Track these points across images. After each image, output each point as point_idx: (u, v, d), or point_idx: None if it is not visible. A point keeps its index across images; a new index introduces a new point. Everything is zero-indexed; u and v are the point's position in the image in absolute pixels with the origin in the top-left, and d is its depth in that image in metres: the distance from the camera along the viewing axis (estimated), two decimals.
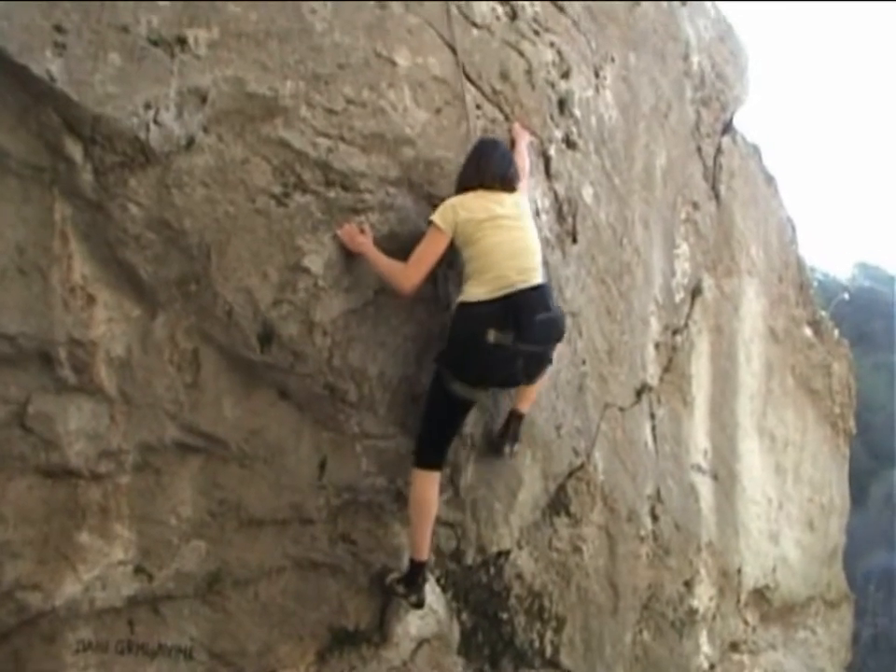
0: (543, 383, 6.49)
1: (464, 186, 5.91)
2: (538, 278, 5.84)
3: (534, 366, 6.00)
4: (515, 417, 6.51)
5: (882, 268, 49.24)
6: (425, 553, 5.97)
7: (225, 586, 5.61)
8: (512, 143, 6.57)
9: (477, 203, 5.79)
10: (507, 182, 5.97)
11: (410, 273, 5.68)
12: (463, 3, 6.44)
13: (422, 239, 5.77)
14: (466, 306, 5.74)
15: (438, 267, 5.88)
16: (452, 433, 6.02)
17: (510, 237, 5.79)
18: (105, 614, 5.26)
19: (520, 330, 5.63)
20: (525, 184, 6.39)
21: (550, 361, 6.14)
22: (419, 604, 6.08)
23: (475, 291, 5.71)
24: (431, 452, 5.95)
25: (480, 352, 5.67)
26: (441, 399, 5.88)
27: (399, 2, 6.01)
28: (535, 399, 6.56)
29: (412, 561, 6.00)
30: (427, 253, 5.71)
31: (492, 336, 5.59)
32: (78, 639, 5.17)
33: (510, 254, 5.74)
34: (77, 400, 5.11)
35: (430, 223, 5.74)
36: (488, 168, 5.91)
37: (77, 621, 5.16)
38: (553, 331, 5.93)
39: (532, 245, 5.93)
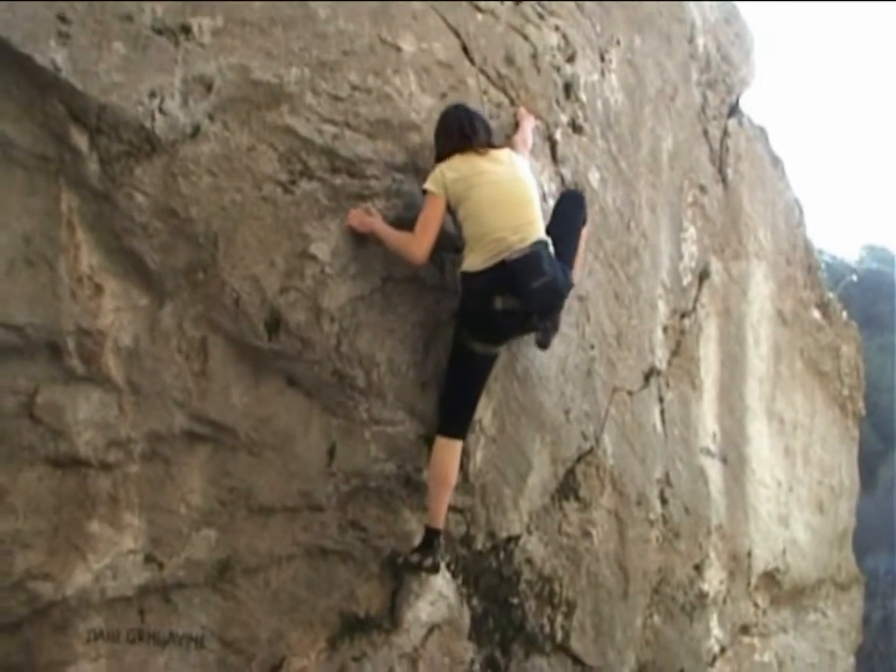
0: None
1: (442, 155, 5.88)
2: (535, 233, 5.81)
3: (549, 315, 6.02)
4: None
5: (889, 250, 49.09)
6: (441, 521, 6.00)
7: (235, 574, 5.62)
8: (517, 126, 6.56)
9: (463, 163, 5.78)
10: (480, 139, 5.93)
11: (419, 240, 5.70)
12: None
13: (421, 209, 5.78)
14: (467, 276, 5.76)
15: (445, 252, 5.88)
16: (476, 395, 6.06)
17: (500, 192, 5.78)
18: (115, 603, 5.27)
19: (521, 297, 5.66)
20: (525, 154, 6.37)
21: (561, 306, 6.14)
22: (435, 567, 6.08)
23: (473, 260, 5.72)
24: (456, 418, 6.00)
25: (492, 317, 5.73)
26: (464, 359, 5.94)
27: None
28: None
29: (427, 528, 6.01)
30: (429, 218, 5.72)
31: (499, 303, 5.65)
32: (89, 629, 5.19)
33: (502, 211, 5.73)
34: (85, 390, 5.12)
35: (424, 192, 5.75)
36: (455, 133, 5.89)
37: (87, 610, 5.18)
38: (552, 295, 5.86)
39: (526, 197, 5.90)
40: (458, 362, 5.97)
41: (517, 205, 5.82)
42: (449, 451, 5.93)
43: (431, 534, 6.00)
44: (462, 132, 5.88)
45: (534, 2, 6.95)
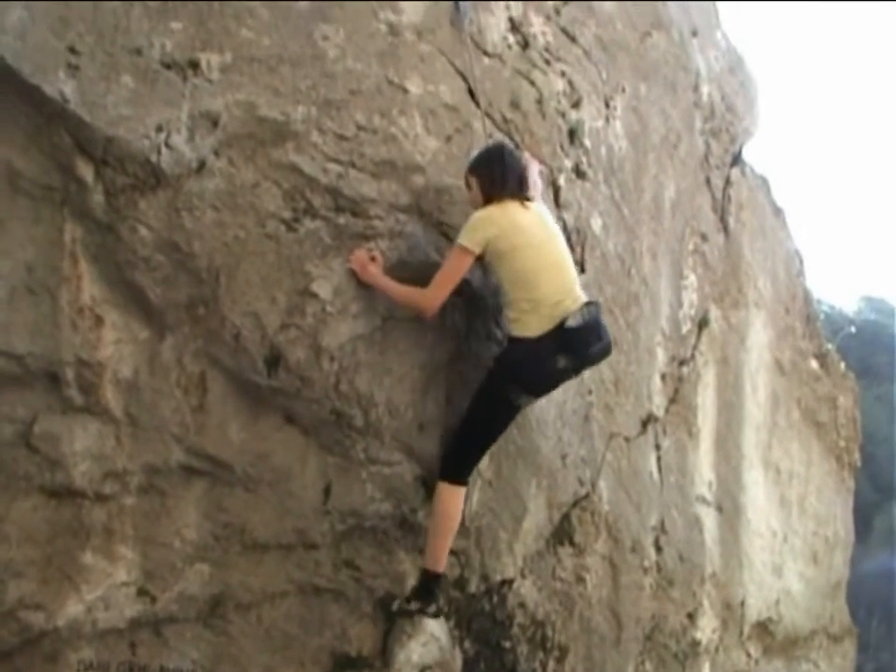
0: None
1: (488, 198, 5.83)
2: (579, 293, 5.88)
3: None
4: None
5: (887, 301, 49.25)
6: (443, 566, 5.97)
7: (228, 610, 5.60)
8: None
9: (505, 217, 5.73)
10: (523, 186, 5.95)
11: (435, 295, 5.66)
12: (475, 31, 6.46)
13: (446, 260, 5.74)
14: (524, 341, 5.75)
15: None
16: (491, 444, 6.05)
17: (546, 254, 5.79)
18: (107, 635, 5.26)
19: (579, 357, 5.79)
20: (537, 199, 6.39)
21: None
22: (438, 613, 6.08)
23: (528, 324, 5.72)
24: (465, 465, 5.97)
25: (550, 375, 5.84)
26: (498, 409, 5.91)
27: (412, 30, 6.04)
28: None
29: (427, 572, 5.96)
30: (453, 274, 5.67)
31: (561, 363, 5.73)
32: (80, 660, 5.17)
33: (553, 276, 5.77)
34: (83, 421, 5.12)
35: (456, 245, 5.69)
36: (512, 174, 5.87)
37: (79, 641, 5.16)
38: (603, 355, 6.02)
39: (566, 255, 5.97)
40: (490, 411, 5.92)
41: (563, 268, 5.87)
42: (456, 496, 5.89)
43: (431, 579, 5.97)
44: (520, 180, 5.90)
45: (541, 48, 6.99)
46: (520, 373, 5.84)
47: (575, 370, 5.93)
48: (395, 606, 6.08)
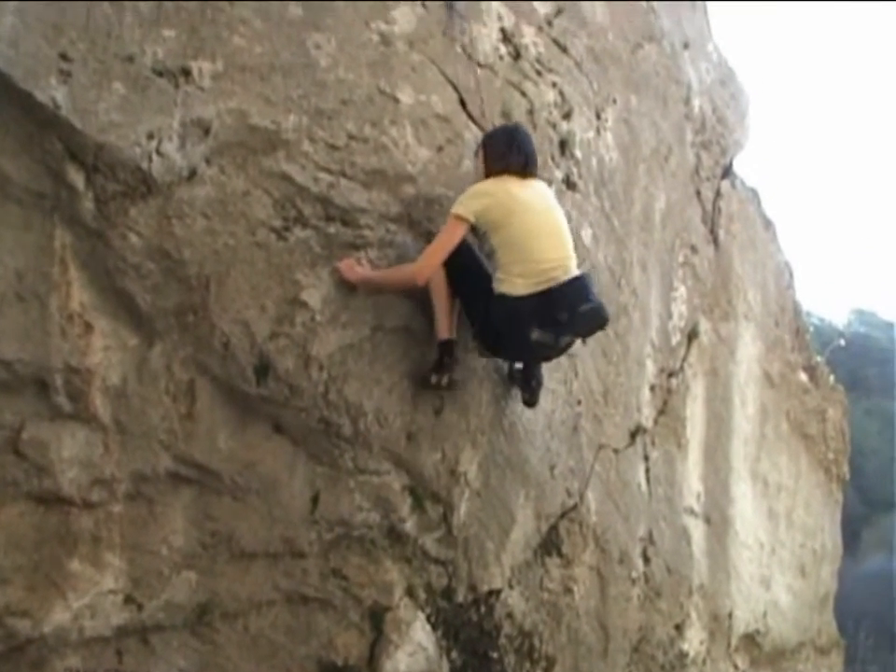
0: None
1: (489, 171, 5.89)
2: (574, 266, 5.89)
3: (568, 347, 6.17)
4: None
5: (878, 314, 49.33)
6: (449, 331, 5.98)
7: (215, 618, 5.59)
8: None
9: (500, 188, 5.77)
10: (532, 166, 5.99)
11: (427, 262, 5.71)
12: (467, 42, 6.47)
13: (441, 230, 5.78)
14: (505, 299, 5.76)
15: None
16: None
17: (542, 221, 5.82)
18: (93, 643, 5.23)
19: (562, 325, 5.72)
20: None
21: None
22: (452, 384, 6.01)
23: (514, 284, 5.74)
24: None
25: (522, 346, 5.87)
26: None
27: (404, 40, 6.05)
28: None
29: (439, 344, 5.99)
30: (444, 241, 5.72)
31: (535, 334, 5.71)
32: (66, 667, 5.14)
33: (546, 242, 5.79)
34: (71, 428, 5.11)
35: (451, 215, 5.72)
36: (517, 153, 5.91)
37: (65, 649, 5.14)
38: (597, 320, 5.86)
39: (563, 228, 5.98)
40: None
41: (559, 237, 5.90)
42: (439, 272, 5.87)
43: (443, 349, 5.97)
44: (527, 160, 5.94)
45: (532, 59, 7.00)
46: (499, 342, 5.94)
47: (553, 348, 5.93)
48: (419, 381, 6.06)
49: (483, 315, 5.90)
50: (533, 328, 5.67)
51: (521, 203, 5.76)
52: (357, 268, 5.68)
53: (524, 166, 5.91)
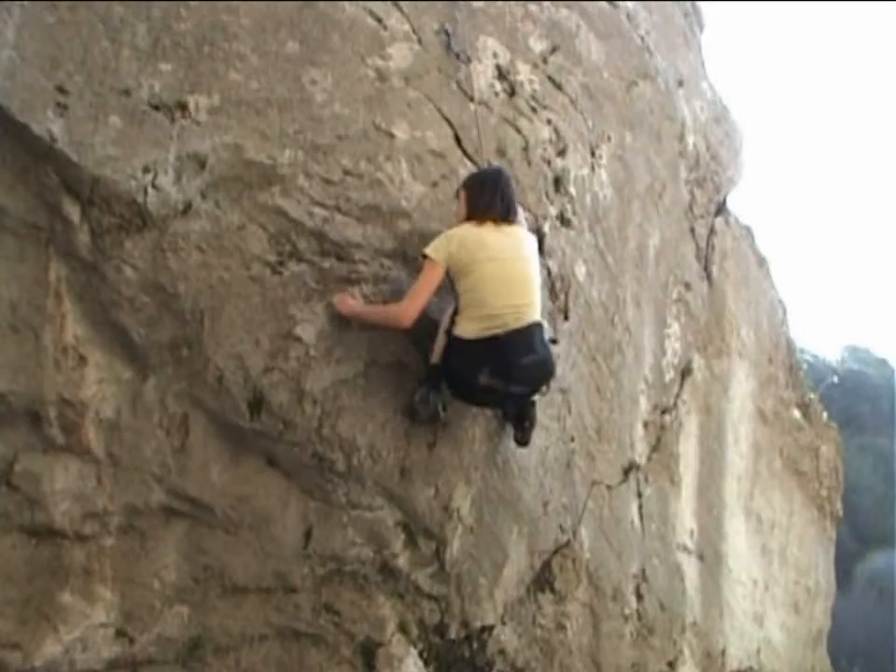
0: None
1: (469, 215, 5.87)
2: (533, 315, 5.82)
3: (522, 400, 6.17)
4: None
5: (871, 351, 49.43)
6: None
7: (206, 653, 5.57)
8: None
9: (472, 234, 5.75)
10: (509, 213, 5.94)
11: (409, 304, 5.68)
12: (462, 78, 6.51)
13: (420, 273, 5.77)
14: (457, 340, 5.74)
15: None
16: None
17: (504, 269, 5.75)
18: None
19: (508, 373, 5.69)
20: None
21: (541, 394, 6.25)
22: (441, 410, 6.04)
23: (466, 327, 5.71)
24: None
25: (472, 390, 5.80)
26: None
27: (400, 76, 6.08)
28: None
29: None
30: (423, 284, 5.70)
31: (483, 378, 5.65)
32: None
33: (503, 289, 5.72)
34: (64, 460, 5.11)
35: (424, 256, 5.73)
36: (499, 200, 5.87)
37: None
38: (540, 374, 5.91)
39: (527, 277, 5.89)
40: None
41: (518, 285, 5.82)
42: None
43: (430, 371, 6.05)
44: (507, 207, 5.90)
45: (527, 95, 7.03)
46: (451, 383, 5.90)
47: (503, 394, 5.86)
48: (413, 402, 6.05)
49: (444, 358, 5.92)
50: (481, 372, 5.66)
51: (488, 251, 5.72)
52: (350, 300, 5.69)
53: (504, 214, 5.88)
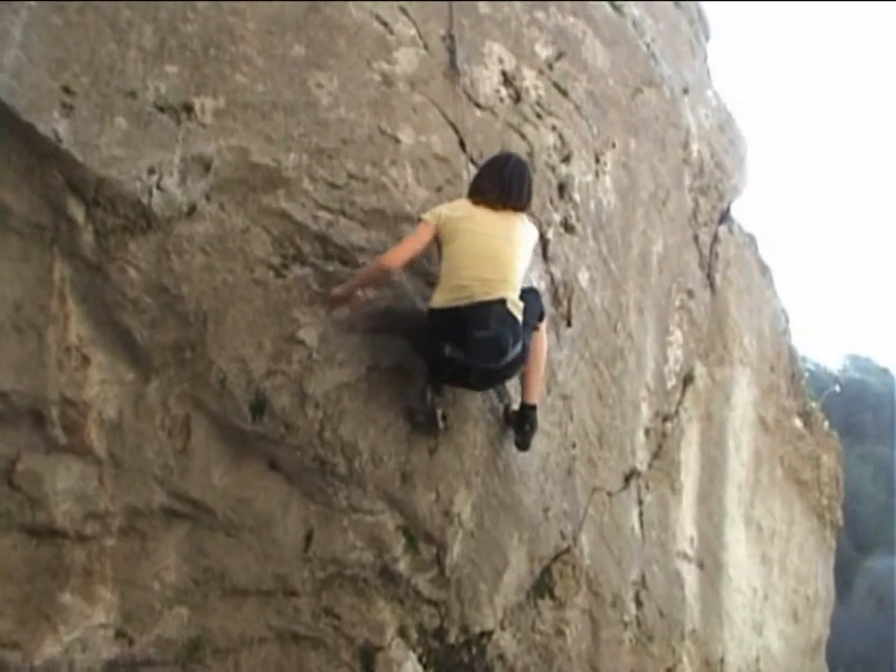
0: (537, 379, 6.46)
1: (469, 192, 5.95)
2: (503, 292, 5.76)
3: (487, 379, 6.08)
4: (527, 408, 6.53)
5: (873, 360, 49.45)
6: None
7: (205, 654, 5.56)
8: None
9: (464, 206, 5.81)
10: (510, 198, 5.92)
11: (389, 253, 5.71)
12: (468, 84, 6.51)
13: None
14: (430, 312, 5.76)
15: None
16: None
17: (482, 244, 5.74)
18: None
19: (465, 345, 5.64)
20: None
21: (507, 377, 6.21)
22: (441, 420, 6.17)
23: (436, 297, 5.73)
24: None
25: (438, 362, 5.76)
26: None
27: (405, 81, 6.09)
28: (538, 390, 6.53)
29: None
30: (411, 238, 5.76)
31: (448, 350, 5.61)
32: None
33: (475, 262, 5.70)
34: (66, 460, 5.11)
35: (419, 220, 5.78)
36: (497, 185, 5.88)
37: None
38: (491, 350, 5.75)
39: (507, 258, 5.83)
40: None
41: (494, 261, 5.77)
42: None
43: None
44: (507, 192, 5.89)
45: (533, 102, 7.03)
46: (424, 355, 5.91)
47: (464, 367, 5.79)
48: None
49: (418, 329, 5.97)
50: (445, 343, 5.64)
51: (473, 224, 5.74)
52: (335, 289, 5.69)
53: (502, 199, 5.87)
